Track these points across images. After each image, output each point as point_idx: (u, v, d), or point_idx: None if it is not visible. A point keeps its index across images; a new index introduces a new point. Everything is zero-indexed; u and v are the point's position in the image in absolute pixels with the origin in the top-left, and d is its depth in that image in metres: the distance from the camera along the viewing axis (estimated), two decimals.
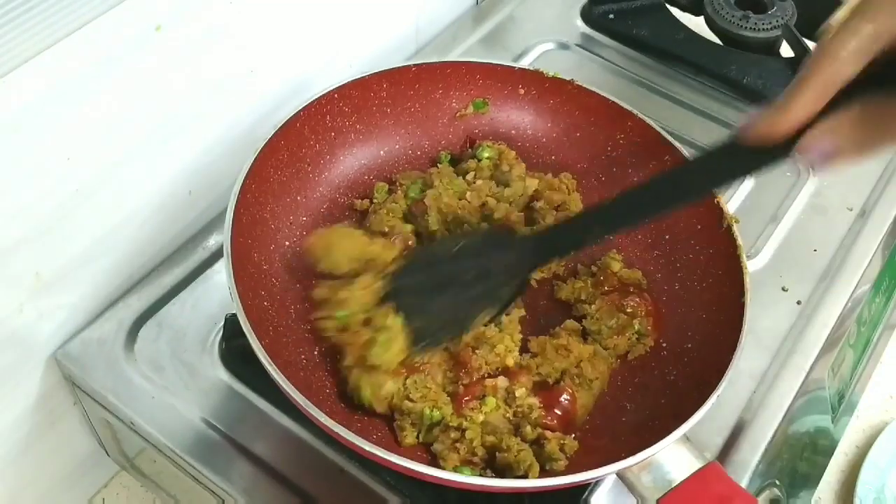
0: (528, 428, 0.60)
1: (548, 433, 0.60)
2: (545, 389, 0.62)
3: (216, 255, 0.76)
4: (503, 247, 0.60)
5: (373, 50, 0.91)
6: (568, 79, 0.76)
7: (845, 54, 0.43)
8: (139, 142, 0.68)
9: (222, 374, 0.68)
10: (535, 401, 0.61)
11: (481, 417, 0.60)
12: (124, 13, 0.60)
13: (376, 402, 0.60)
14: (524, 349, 0.65)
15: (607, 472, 0.53)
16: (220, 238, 0.77)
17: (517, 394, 0.61)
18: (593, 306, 0.67)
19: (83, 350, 0.70)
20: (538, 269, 0.68)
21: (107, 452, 0.80)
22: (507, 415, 0.61)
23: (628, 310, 0.66)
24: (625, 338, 0.66)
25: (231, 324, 0.69)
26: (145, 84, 0.66)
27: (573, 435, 0.61)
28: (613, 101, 0.75)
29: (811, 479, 0.78)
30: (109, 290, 0.74)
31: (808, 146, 0.45)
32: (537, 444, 0.60)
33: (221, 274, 0.75)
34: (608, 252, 0.71)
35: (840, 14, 0.44)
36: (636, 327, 0.66)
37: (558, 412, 0.61)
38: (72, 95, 0.60)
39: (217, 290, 0.74)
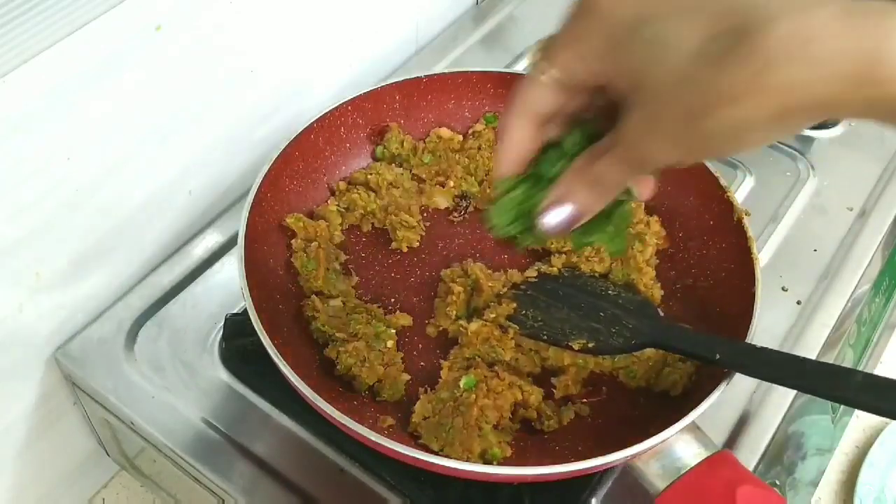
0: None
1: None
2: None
3: (216, 255, 0.76)
4: (642, 315, 0.63)
5: (373, 50, 0.91)
6: None
7: (545, 83, 0.41)
8: (139, 142, 0.69)
9: (222, 374, 0.68)
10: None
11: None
12: (124, 13, 0.60)
13: (367, 372, 0.62)
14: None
15: (616, 459, 0.53)
16: (221, 238, 0.78)
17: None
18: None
19: (83, 350, 0.70)
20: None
21: (107, 452, 0.80)
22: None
23: None
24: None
25: (231, 324, 0.69)
26: (145, 84, 0.66)
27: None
28: None
29: (811, 479, 0.78)
30: (109, 290, 0.74)
31: (546, 219, 0.43)
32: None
33: (221, 274, 0.75)
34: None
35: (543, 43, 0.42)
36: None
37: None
38: (72, 95, 0.60)
39: (217, 290, 0.74)
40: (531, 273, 0.68)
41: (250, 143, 0.81)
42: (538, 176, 0.43)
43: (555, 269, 0.69)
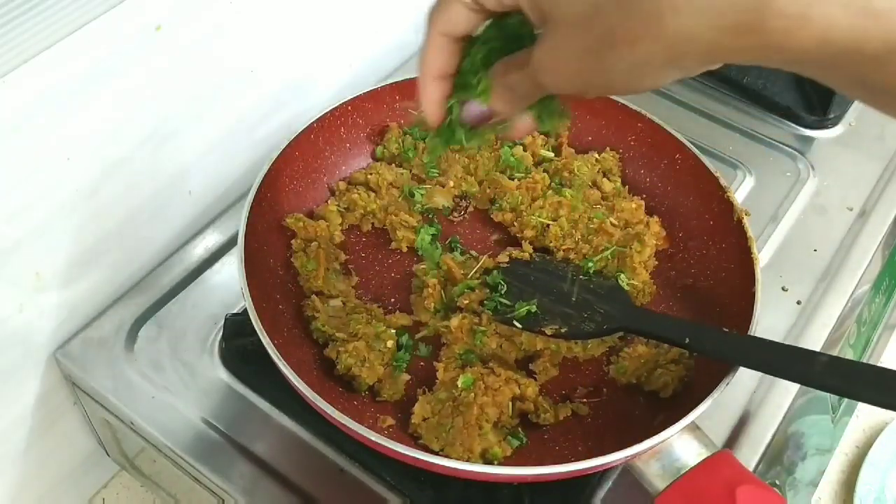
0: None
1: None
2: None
3: (216, 255, 0.76)
4: (613, 300, 0.64)
5: (373, 49, 0.91)
6: None
7: (463, 4, 0.43)
8: (139, 142, 0.69)
9: (222, 374, 0.68)
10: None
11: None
12: (124, 13, 0.61)
13: (367, 372, 0.62)
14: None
15: (616, 459, 0.53)
16: (221, 238, 0.78)
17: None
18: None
19: (83, 350, 0.70)
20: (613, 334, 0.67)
21: (107, 452, 0.80)
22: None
23: None
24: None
25: (231, 324, 0.69)
26: (145, 84, 0.66)
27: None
28: (622, 104, 0.75)
29: (811, 479, 0.78)
30: (109, 290, 0.74)
31: (464, 110, 0.46)
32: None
33: (221, 274, 0.75)
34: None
35: None
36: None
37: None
38: (72, 95, 0.60)
39: (217, 290, 0.74)
40: (503, 258, 0.68)
41: (250, 143, 0.81)
42: (463, 84, 0.45)
43: (526, 254, 0.69)
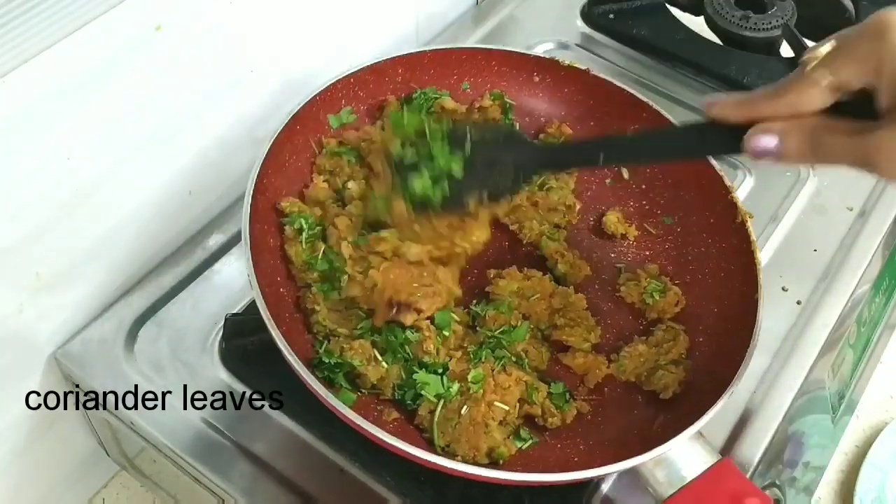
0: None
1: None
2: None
3: (216, 255, 0.76)
4: (515, 144, 0.60)
5: (373, 50, 0.91)
6: (584, 68, 0.76)
7: (822, 87, 0.45)
8: (139, 142, 0.68)
9: (222, 374, 0.68)
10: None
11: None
12: (124, 13, 0.60)
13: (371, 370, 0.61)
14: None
15: (621, 468, 0.53)
16: (221, 238, 0.78)
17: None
18: None
19: (83, 350, 0.70)
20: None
21: (107, 452, 0.80)
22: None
23: None
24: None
25: (231, 324, 0.69)
26: (145, 84, 0.66)
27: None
28: (629, 92, 0.75)
29: (811, 480, 0.78)
30: (109, 290, 0.74)
31: (755, 139, 0.47)
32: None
33: (221, 274, 0.75)
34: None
35: (824, 48, 0.46)
36: None
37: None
38: (72, 95, 0.60)
39: (217, 290, 0.74)
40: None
41: (250, 142, 0.81)
42: None
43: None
